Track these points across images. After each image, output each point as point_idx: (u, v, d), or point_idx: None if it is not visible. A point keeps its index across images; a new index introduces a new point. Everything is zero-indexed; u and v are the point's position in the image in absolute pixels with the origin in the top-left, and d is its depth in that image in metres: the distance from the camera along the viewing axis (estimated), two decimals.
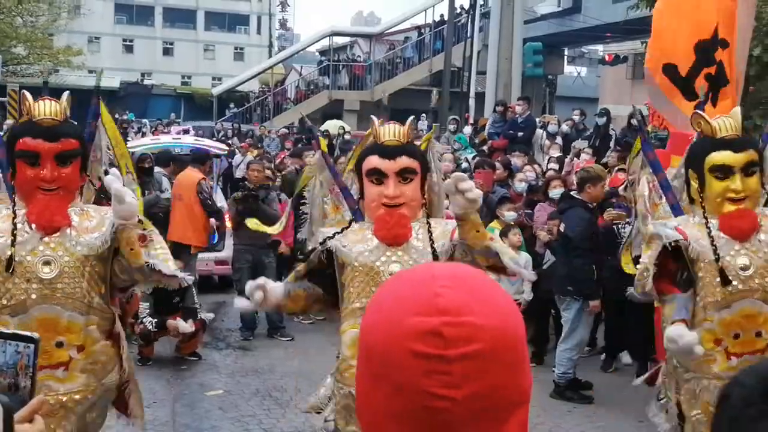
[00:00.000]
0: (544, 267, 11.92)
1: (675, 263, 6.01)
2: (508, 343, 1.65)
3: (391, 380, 1.63)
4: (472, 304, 1.63)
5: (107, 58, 75.65)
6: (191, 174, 14.21)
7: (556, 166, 15.95)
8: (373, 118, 5.73)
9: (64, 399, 5.09)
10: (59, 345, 5.04)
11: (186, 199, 13.87)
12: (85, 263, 5.13)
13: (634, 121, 18.78)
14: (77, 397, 5.18)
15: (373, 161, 5.33)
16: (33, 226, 5.10)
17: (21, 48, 48.92)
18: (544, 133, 20.65)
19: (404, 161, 5.30)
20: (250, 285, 5.49)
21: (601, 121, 20.58)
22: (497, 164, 15.06)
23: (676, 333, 5.54)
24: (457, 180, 5.04)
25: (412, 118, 5.87)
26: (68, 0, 56.72)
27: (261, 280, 5.52)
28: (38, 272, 5.03)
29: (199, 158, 15.13)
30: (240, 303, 5.65)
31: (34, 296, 5.02)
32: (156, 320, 11.57)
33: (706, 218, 5.92)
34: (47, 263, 5.06)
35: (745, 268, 5.82)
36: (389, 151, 5.32)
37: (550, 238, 11.75)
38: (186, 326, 11.56)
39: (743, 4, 8.71)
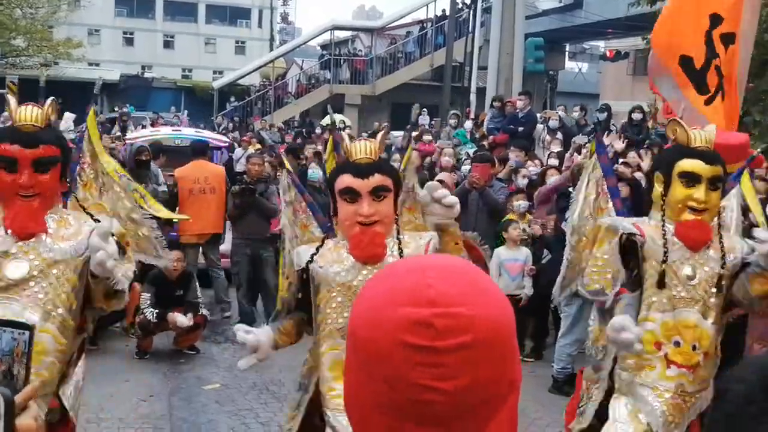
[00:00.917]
0: (543, 262, 11.94)
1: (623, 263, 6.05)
2: (499, 334, 1.63)
3: (381, 373, 1.61)
4: (463, 295, 1.61)
5: (107, 50, 75.81)
6: (214, 166, 14.34)
7: (557, 162, 15.92)
8: (343, 134, 5.69)
9: None
10: None
11: (218, 191, 14.01)
12: (53, 268, 5.07)
13: (634, 116, 18.81)
14: None
15: (346, 180, 5.24)
16: (9, 231, 5.07)
17: (20, 40, 49.02)
18: (545, 128, 20.64)
19: (377, 179, 5.21)
20: (242, 338, 5.40)
21: (602, 116, 20.59)
22: (496, 159, 15.07)
23: (620, 323, 5.52)
24: (431, 189, 5.11)
25: (382, 132, 5.82)
26: None
27: (249, 338, 5.40)
28: (6, 270, 4.98)
29: (201, 149, 15.13)
30: (243, 363, 5.58)
31: None
32: (157, 312, 11.55)
33: (663, 221, 5.98)
34: (17, 267, 5.01)
35: (690, 278, 5.90)
36: (362, 170, 5.23)
37: (544, 232, 11.79)
38: (185, 320, 11.55)
39: (749, 3, 8.67)
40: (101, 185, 5.92)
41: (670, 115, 8.37)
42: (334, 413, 5.24)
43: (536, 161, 16.37)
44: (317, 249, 5.42)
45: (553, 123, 20.79)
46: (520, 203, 12.78)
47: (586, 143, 17.66)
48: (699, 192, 5.87)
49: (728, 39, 8.44)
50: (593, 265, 6.15)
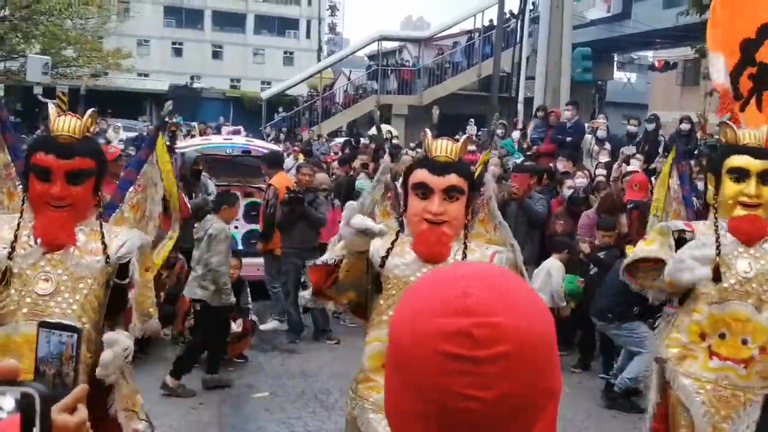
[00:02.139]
0: (591, 274, 11.91)
1: None
2: (538, 344, 1.63)
3: (419, 382, 1.62)
4: (501, 305, 1.62)
5: (156, 61, 76.32)
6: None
7: (605, 172, 15.88)
8: (427, 130, 5.66)
9: None
10: None
11: None
12: (80, 282, 5.09)
13: (682, 126, 18.71)
14: None
15: (421, 175, 5.22)
16: (38, 240, 5.09)
17: (70, 50, 49.43)
18: (593, 138, 20.57)
19: (452, 179, 5.17)
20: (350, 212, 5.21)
21: (650, 126, 20.49)
22: (541, 169, 15.06)
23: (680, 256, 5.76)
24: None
25: (466, 136, 5.78)
26: (118, 3, 57.21)
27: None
28: (34, 287, 4.99)
29: (279, 160, 15.51)
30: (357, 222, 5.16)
31: (24, 310, 4.95)
32: None
33: (716, 218, 5.97)
34: (46, 280, 5.02)
35: (746, 272, 5.86)
36: (439, 167, 5.20)
37: (592, 249, 11.78)
38: (234, 326, 11.62)
39: None
40: (145, 211, 5.91)
41: (724, 107, 8.35)
42: (364, 409, 5.27)
43: (585, 171, 16.30)
44: (392, 244, 5.35)
45: (601, 133, 20.71)
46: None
47: (635, 154, 17.63)
48: (749, 187, 5.86)
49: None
50: (638, 251, 6.20)
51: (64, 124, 5.15)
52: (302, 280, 12.93)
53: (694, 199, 6.91)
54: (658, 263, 6.08)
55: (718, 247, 5.86)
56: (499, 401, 1.58)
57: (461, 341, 1.58)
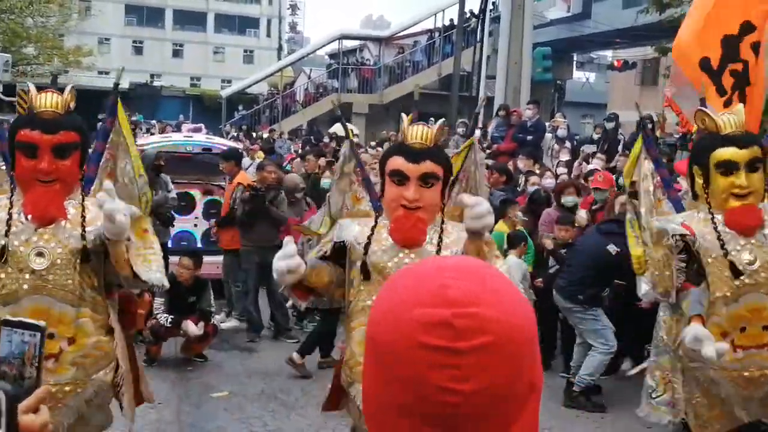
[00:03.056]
0: (551, 272, 11.92)
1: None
2: (519, 335, 1.61)
3: (399, 374, 1.60)
4: (482, 296, 1.60)
5: (117, 59, 75.80)
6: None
7: (566, 170, 15.95)
8: (403, 115, 5.67)
9: (54, 390, 5.09)
10: (50, 336, 4.96)
11: None
12: (77, 255, 5.17)
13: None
14: (67, 389, 5.23)
15: (397, 162, 5.24)
16: (29, 216, 5.13)
17: (31, 48, 49.26)
18: (554, 137, 20.64)
19: (428, 165, 5.19)
20: (280, 255, 5.13)
21: (610, 125, 20.58)
22: (499, 168, 15.08)
23: (697, 334, 5.65)
24: (467, 203, 5.02)
25: (442, 120, 5.80)
26: (79, 1, 56.93)
27: (292, 245, 5.17)
28: (30, 263, 5.08)
29: (239, 156, 15.62)
30: (281, 263, 5.15)
31: (25, 287, 5.07)
32: (171, 318, 11.56)
33: (711, 213, 5.99)
34: (40, 254, 5.10)
35: (751, 263, 5.93)
36: (414, 154, 5.22)
37: (556, 244, 11.78)
38: (195, 329, 11.56)
39: None
40: (120, 176, 5.96)
41: (686, 127, 8.40)
42: (358, 386, 5.29)
43: (549, 173, 16.34)
44: (372, 230, 5.41)
45: (562, 132, 20.80)
46: (521, 215, 12.77)
47: (595, 152, 17.71)
48: (739, 178, 5.92)
49: (756, 48, 8.44)
50: (655, 267, 6.18)
51: (47, 99, 5.21)
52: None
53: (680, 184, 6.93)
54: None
55: (723, 246, 5.89)
56: (479, 393, 1.56)
57: (441, 332, 1.56)
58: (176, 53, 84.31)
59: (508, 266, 11.74)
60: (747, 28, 8.36)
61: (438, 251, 5.26)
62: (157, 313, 11.59)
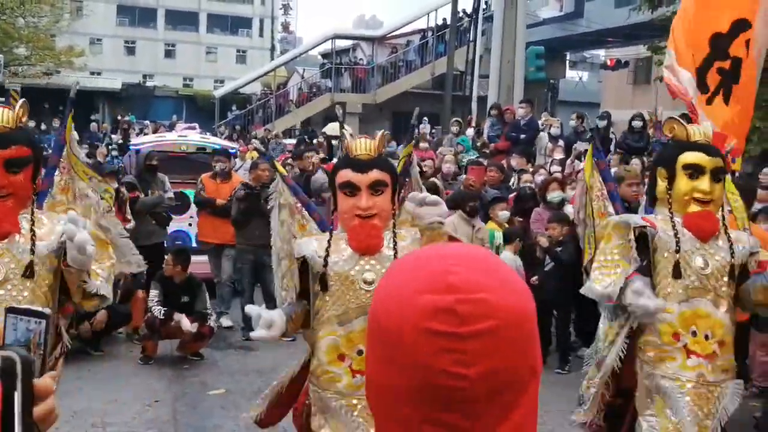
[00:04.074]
0: (546, 269, 11.97)
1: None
2: (521, 320, 1.65)
3: (403, 359, 1.63)
4: (485, 282, 1.63)
5: (109, 59, 75.86)
6: None
7: (559, 169, 15.99)
8: (345, 131, 5.92)
9: None
10: None
11: None
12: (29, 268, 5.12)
13: (634, 123, 18.84)
14: None
15: (346, 174, 5.47)
16: None
17: (23, 49, 49.14)
18: (547, 135, 20.69)
19: (375, 174, 5.43)
20: (255, 319, 5.51)
21: (602, 124, 20.62)
22: (496, 166, 15.14)
23: (639, 287, 5.77)
24: (412, 199, 5.54)
25: (382, 131, 6.03)
26: (70, 1, 56.85)
27: (266, 316, 5.51)
28: None
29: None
30: (256, 334, 5.64)
31: None
32: (165, 309, 11.58)
33: (671, 214, 6.09)
34: None
35: (703, 268, 5.99)
36: (361, 165, 5.46)
37: (551, 242, 11.81)
38: (188, 325, 11.57)
39: (763, 16, 8.65)
40: (76, 191, 5.94)
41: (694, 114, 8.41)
42: (325, 393, 5.50)
43: (542, 170, 16.38)
44: (328, 243, 5.55)
45: (555, 130, 20.85)
46: (504, 213, 12.83)
47: (585, 150, 17.74)
48: (703, 183, 5.99)
49: (748, 45, 8.45)
50: (603, 261, 6.21)
51: None
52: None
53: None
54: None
55: (677, 243, 5.97)
56: (483, 378, 1.60)
57: (445, 318, 1.59)
58: (168, 53, 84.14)
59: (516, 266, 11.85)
60: (742, 25, 8.38)
61: (395, 255, 5.45)
62: (152, 306, 11.62)
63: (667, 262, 6.01)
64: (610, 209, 6.63)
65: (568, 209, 12.48)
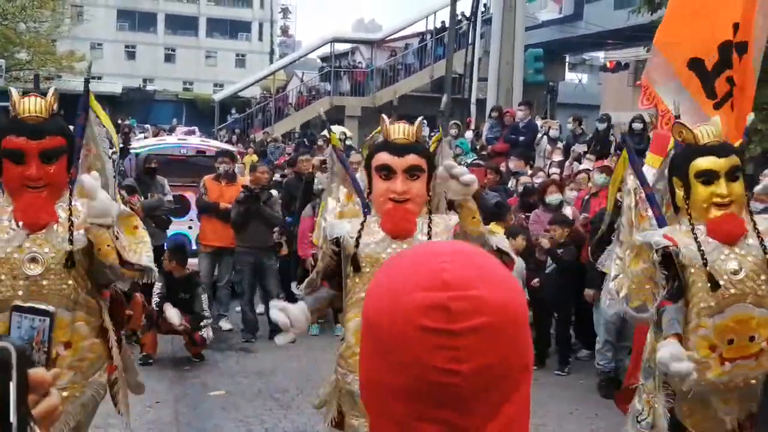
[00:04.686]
0: (547, 272, 12.00)
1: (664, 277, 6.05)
2: (513, 317, 1.66)
3: (397, 357, 1.64)
4: (477, 279, 1.65)
5: (110, 64, 75.77)
6: None
7: (558, 171, 16.01)
8: (384, 116, 5.93)
9: None
10: None
11: None
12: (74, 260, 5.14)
13: (634, 125, 18.83)
14: (65, 394, 5.14)
15: (383, 157, 5.49)
16: (20, 223, 5.11)
17: (24, 53, 49.05)
18: (546, 137, 20.70)
19: (412, 159, 5.46)
20: (275, 317, 5.45)
21: (602, 126, 20.62)
22: (494, 169, 15.18)
23: (669, 353, 5.52)
24: (448, 168, 5.31)
25: (420, 118, 6.00)
26: (71, 6, 56.80)
27: (281, 318, 5.42)
28: (25, 269, 5.05)
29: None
30: (280, 340, 5.64)
31: (20, 293, 5.03)
32: (158, 302, 11.66)
33: (692, 225, 5.94)
34: (33, 260, 5.07)
35: (735, 272, 5.81)
36: (398, 148, 5.49)
37: (552, 243, 11.84)
38: (174, 317, 11.60)
39: (761, 8, 8.63)
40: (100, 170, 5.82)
41: (666, 127, 8.34)
42: (355, 376, 5.41)
43: (541, 173, 16.41)
44: (361, 225, 5.62)
45: (554, 133, 20.86)
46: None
47: (585, 152, 17.75)
48: (720, 187, 5.83)
49: (742, 48, 8.43)
50: (633, 281, 6.14)
51: (30, 105, 5.18)
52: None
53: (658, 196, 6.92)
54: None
55: (703, 257, 5.82)
56: (476, 374, 1.61)
57: (438, 315, 1.61)
58: (168, 58, 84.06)
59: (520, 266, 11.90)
60: (735, 29, 8.39)
61: (429, 239, 5.43)
62: (154, 297, 11.67)
63: (697, 278, 5.85)
64: (649, 213, 6.55)
65: (567, 211, 12.53)
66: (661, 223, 6.31)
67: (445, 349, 1.60)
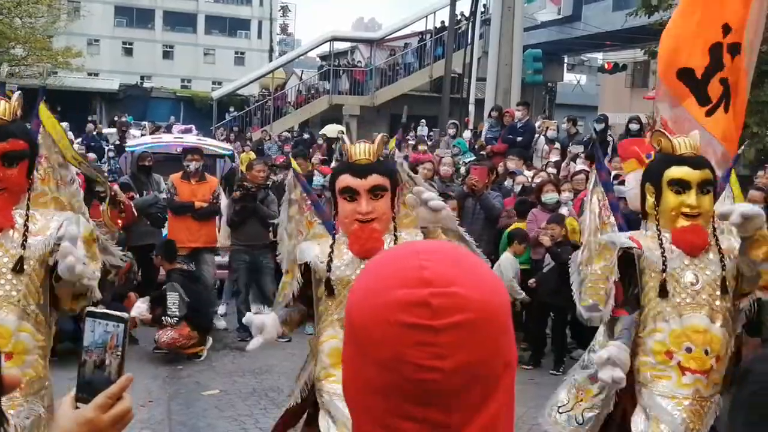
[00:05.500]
0: (544, 271, 12.00)
1: (621, 280, 6.11)
2: (494, 313, 1.67)
3: (379, 355, 1.65)
4: (458, 275, 1.65)
5: (107, 60, 75.81)
6: None
7: (555, 171, 16.05)
8: (344, 136, 5.99)
9: None
10: None
11: None
12: (26, 266, 4.99)
13: (631, 126, 18.86)
14: None
15: (346, 180, 5.56)
16: None
17: (20, 49, 49.00)
18: (543, 138, 20.72)
19: (375, 179, 5.53)
20: (252, 325, 5.71)
21: (599, 127, 20.64)
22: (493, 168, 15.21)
23: (610, 356, 5.58)
24: (418, 192, 5.45)
25: (381, 135, 6.08)
26: (68, 2, 56.74)
27: (256, 320, 5.72)
28: None
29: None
30: (251, 346, 5.89)
31: None
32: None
33: (659, 230, 6.05)
34: None
35: (693, 284, 5.93)
36: (360, 170, 5.54)
37: (552, 242, 11.84)
38: (140, 308, 11.66)
39: (754, 10, 8.65)
40: (58, 178, 5.72)
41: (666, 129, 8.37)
42: (331, 398, 5.50)
43: (541, 174, 16.42)
44: (331, 248, 5.67)
45: (552, 133, 20.88)
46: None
47: (581, 152, 17.79)
48: (690, 198, 5.93)
49: (734, 49, 8.44)
50: (589, 280, 6.19)
51: None
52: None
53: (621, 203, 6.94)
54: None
55: (664, 263, 5.92)
56: (457, 371, 1.62)
57: (419, 311, 1.61)
58: (166, 55, 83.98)
59: (499, 262, 11.94)
60: (725, 30, 8.40)
61: None
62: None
63: (654, 282, 5.96)
64: (612, 220, 6.60)
65: (564, 211, 12.54)
66: (623, 231, 6.38)
67: (426, 345, 1.61)
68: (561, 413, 6.60)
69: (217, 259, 14.37)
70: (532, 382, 11.25)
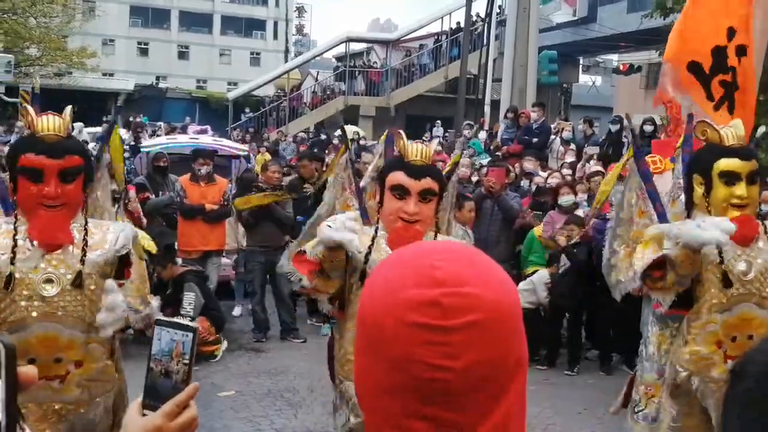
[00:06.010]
0: (559, 272, 12.00)
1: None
2: (505, 313, 1.68)
3: (390, 354, 1.66)
4: (470, 275, 1.67)
5: (122, 60, 75.92)
6: None
7: (570, 172, 16.03)
8: (401, 132, 5.99)
9: (57, 407, 5.04)
10: (57, 360, 5.00)
11: None
12: (85, 279, 5.07)
13: (645, 128, 18.82)
14: (70, 407, 5.12)
15: (399, 177, 5.56)
16: (35, 242, 5.03)
17: (34, 49, 49.03)
18: (559, 139, 20.70)
19: (427, 182, 5.53)
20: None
21: (615, 128, 20.61)
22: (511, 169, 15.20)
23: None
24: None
25: (437, 139, 6.08)
26: (83, 2, 56.80)
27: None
28: (40, 290, 4.95)
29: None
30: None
31: (35, 314, 4.95)
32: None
33: None
34: (49, 281, 4.98)
35: (745, 273, 5.95)
36: (415, 171, 5.55)
37: (567, 243, 11.83)
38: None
39: (759, 10, 8.68)
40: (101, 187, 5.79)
41: (677, 131, 8.39)
42: (351, 382, 5.52)
43: (557, 174, 16.40)
44: (372, 240, 5.69)
45: (567, 134, 20.86)
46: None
47: (596, 154, 17.77)
48: (740, 189, 5.97)
49: (741, 51, 8.47)
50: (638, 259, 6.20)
51: (49, 123, 5.08)
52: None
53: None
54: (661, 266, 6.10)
55: (720, 254, 5.92)
56: (469, 370, 1.62)
57: (431, 311, 1.62)
58: (182, 55, 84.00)
59: (533, 279, 11.98)
60: (731, 33, 8.42)
61: None
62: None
63: (711, 274, 5.97)
64: (651, 209, 6.58)
65: (580, 212, 12.54)
66: (662, 219, 6.36)
67: (437, 345, 1.62)
68: (637, 413, 6.64)
69: (224, 260, 14.42)
70: (547, 382, 11.28)
